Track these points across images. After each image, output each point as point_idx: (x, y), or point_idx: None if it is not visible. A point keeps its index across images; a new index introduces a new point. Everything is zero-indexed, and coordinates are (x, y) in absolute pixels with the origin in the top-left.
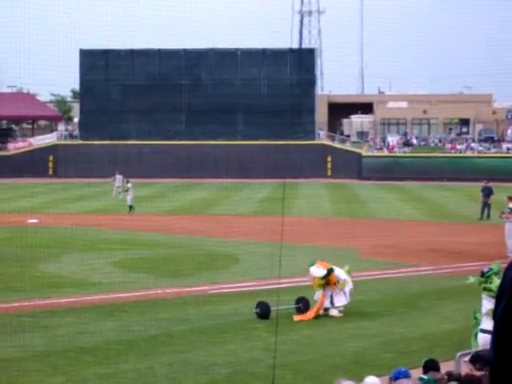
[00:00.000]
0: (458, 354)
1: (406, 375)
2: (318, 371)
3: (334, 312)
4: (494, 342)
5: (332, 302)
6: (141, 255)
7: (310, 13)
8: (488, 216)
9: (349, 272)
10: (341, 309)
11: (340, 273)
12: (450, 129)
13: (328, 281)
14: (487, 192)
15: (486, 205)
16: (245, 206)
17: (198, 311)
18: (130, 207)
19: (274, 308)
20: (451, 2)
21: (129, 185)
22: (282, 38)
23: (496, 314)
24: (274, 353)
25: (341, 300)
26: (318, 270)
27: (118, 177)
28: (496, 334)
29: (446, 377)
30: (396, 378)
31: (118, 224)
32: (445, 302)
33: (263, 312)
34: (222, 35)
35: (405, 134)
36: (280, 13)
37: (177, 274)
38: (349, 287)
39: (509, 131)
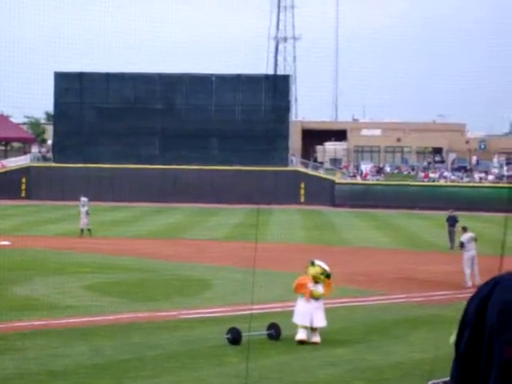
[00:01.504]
0: (429, 382)
1: None
2: None
3: (316, 338)
4: (456, 374)
5: (312, 321)
6: (113, 279)
7: (285, 39)
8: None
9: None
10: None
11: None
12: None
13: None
14: (452, 221)
15: (451, 233)
16: (218, 231)
17: (169, 336)
18: (85, 230)
19: (245, 334)
20: (426, 32)
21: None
22: (257, 64)
23: (458, 347)
24: (246, 379)
25: (321, 321)
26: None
27: (84, 199)
28: (457, 367)
29: None
30: None
31: (90, 247)
32: (416, 330)
33: (234, 338)
34: (197, 60)
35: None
36: (255, 39)
37: (149, 299)
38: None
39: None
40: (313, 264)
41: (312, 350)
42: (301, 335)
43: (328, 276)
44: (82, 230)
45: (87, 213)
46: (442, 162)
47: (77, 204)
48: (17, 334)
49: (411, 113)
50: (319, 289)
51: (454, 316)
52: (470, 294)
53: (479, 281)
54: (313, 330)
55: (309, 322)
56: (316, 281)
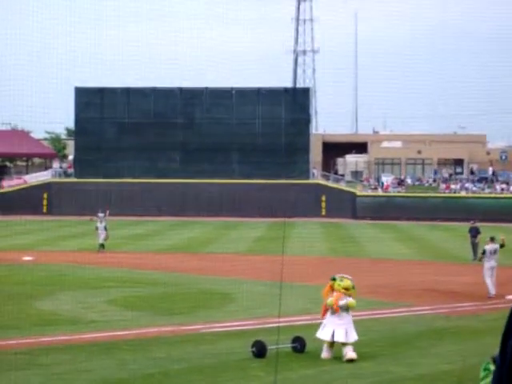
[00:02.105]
0: None
1: None
2: None
3: (352, 355)
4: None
5: (347, 336)
6: (136, 293)
7: (304, 52)
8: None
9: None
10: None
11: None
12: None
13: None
14: (474, 232)
15: (474, 245)
16: (240, 244)
17: (194, 350)
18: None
19: (270, 347)
20: (447, 42)
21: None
22: (277, 78)
23: (505, 354)
24: None
25: (354, 335)
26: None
27: (101, 215)
28: (501, 377)
29: None
30: None
31: (112, 262)
32: (441, 342)
33: (259, 351)
34: (217, 74)
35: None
36: (275, 52)
37: (173, 312)
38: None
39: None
40: (334, 279)
41: (337, 363)
42: (324, 354)
43: (332, 279)
44: (102, 245)
45: (105, 228)
46: (461, 173)
47: (95, 219)
48: (41, 349)
49: (432, 124)
50: (344, 300)
51: (479, 327)
52: (495, 305)
53: (494, 292)
54: (344, 345)
55: (329, 337)
56: (338, 292)
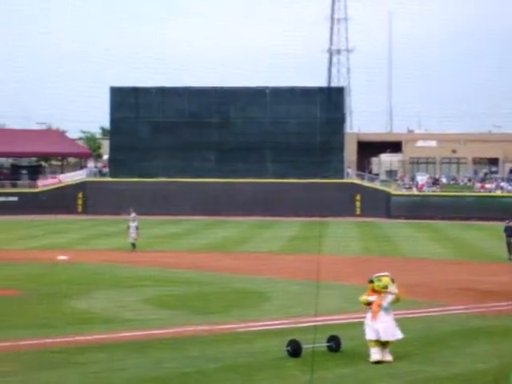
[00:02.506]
0: None
1: None
2: None
3: (389, 357)
4: None
5: (394, 333)
6: (171, 292)
7: (339, 51)
8: None
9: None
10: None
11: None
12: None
13: (376, 286)
14: (509, 232)
15: (509, 244)
16: (274, 243)
17: (229, 349)
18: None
19: (305, 346)
20: (483, 40)
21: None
22: (311, 77)
23: None
24: None
25: (397, 332)
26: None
27: (133, 215)
28: None
29: None
30: None
31: (147, 261)
32: (477, 341)
33: (295, 350)
34: (252, 73)
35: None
36: (309, 52)
37: (207, 312)
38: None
39: None
40: (372, 281)
41: (372, 363)
42: (374, 356)
43: (370, 281)
44: (133, 245)
45: (136, 228)
46: (496, 172)
47: (127, 219)
48: (77, 347)
49: (467, 123)
50: (388, 298)
51: None
52: None
53: None
54: (384, 345)
55: (376, 336)
56: (379, 293)
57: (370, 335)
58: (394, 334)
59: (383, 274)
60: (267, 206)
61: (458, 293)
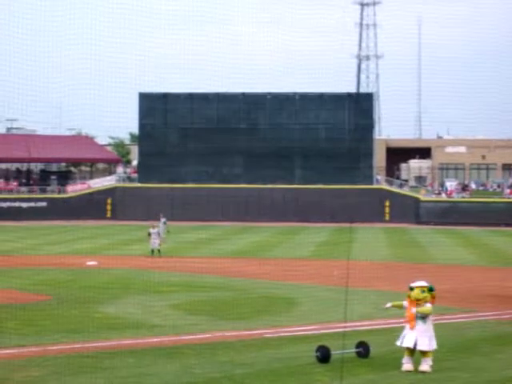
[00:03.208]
0: None
1: None
2: None
3: (425, 367)
4: None
5: (430, 344)
6: (200, 298)
7: (367, 57)
8: None
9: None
10: (430, 363)
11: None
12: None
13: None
14: None
15: None
16: (303, 249)
17: (257, 354)
18: (157, 251)
19: (334, 352)
20: (510, 48)
21: (155, 230)
22: (340, 83)
23: None
24: None
25: (432, 342)
26: (422, 282)
27: (163, 220)
28: None
29: None
30: None
31: (176, 267)
32: (507, 347)
33: (324, 356)
34: (280, 79)
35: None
36: (339, 58)
37: (236, 317)
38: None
39: None
40: (412, 289)
41: (400, 370)
42: (405, 366)
43: (431, 290)
44: (152, 251)
45: (158, 233)
46: None
47: (154, 225)
48: (105, 352)
49: (496, 129)
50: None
51: None
52: None
53: None
54: (423, 354)
55: (412, 344)
56: (419, 302)
57: (406, 343)
58: (430, 344)
59: (419, 284)
60: (296, 212)
61: (488, 299)
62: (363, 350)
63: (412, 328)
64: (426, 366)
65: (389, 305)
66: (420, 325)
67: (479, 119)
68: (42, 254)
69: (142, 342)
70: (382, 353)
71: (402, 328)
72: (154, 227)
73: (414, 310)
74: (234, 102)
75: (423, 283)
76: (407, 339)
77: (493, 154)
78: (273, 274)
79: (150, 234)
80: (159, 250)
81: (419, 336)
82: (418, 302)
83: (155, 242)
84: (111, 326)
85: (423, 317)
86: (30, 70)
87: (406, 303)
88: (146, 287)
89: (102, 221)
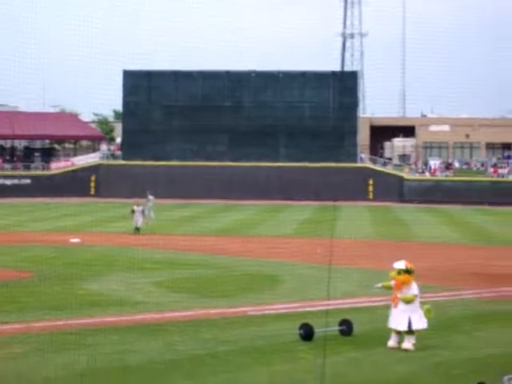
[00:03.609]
0: (506, 377)
1: None
2: None
3: (407, 345)
4: None
5: (410, 323)
6: (183, 275)
7: (352, 35)
8: None
9: (428, 312)
10: (413, 341)
11: (415, 288)
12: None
13: (397, 279)
14: None
15: None
16: (286, 227)
17: (241, 332)
18: (137, 229)
19: (317, 330)
20: (498, 23)
21: (139, 207)
22: (325, 61)
23: None
24: (322, 374)
25: (421, 322)
26: (399, 263)
27: (150, 198)
28: None
29: None
30: None
31: (159, 244)
32: (488, 325)
33: (307, 334)
34: (264, 57)
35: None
36: (323, 36)
37: (220, 295)
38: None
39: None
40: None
41: (384, 347)
42: (390, 342)
43: (407, 271)
44: (136, 229)
45: (143, 211)
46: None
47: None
48: (89, 329)
49: (480, 108)
50: (408, 292)
51: None
52: None
53: None
54: (407, 333)
55: (395, 325)
56: (402, 286)
57: (400, 326)
58: (422, 321)
59: (397, 265)
60: (280, 190)
61: (470, 277)
62: (346, 327)
63: (395, 306)
64: (408, 344)
65: (379, 285)
66: (405, 305)
67: (463, 97)
68: (25, 230)
69: (125, 319)
70: (366, 331)
71: (387, 307)
72: (138, 205)
73: (399, 295)
74: (219, 80)
75: (401, 264)
76: (393, 320)
77: (477, 133)
78: (256, 252)
79: (133, 212)
80: (138, 229)
81: (403, 316)
82: (401, 284)
83: (138, 220)
84: (94, 302)
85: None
86: (13, 46)
87: (393, 283)
88: (129, 264)
89: (85, 198)
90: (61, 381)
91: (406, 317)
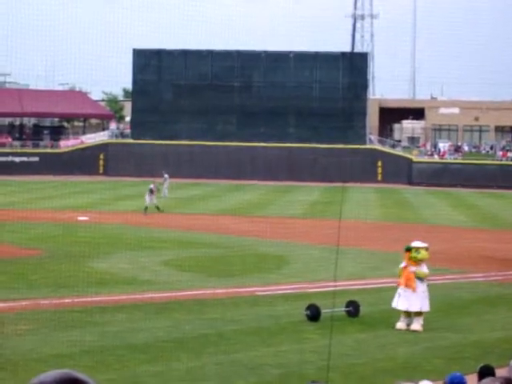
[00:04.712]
0: None
1: (462, 381)
2: (368, 375)
3: (417, 326)
4: None
5: (422, 305)
6: (191, 254)
7: (362, 17)
8: None
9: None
10: (421, 322)
11: (425, 268)
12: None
13: (412, 258)
14: None
15: None
16: (295, 208)
17: (248, 312)
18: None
19: (324, 310)
20: (506, 8)
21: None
22: (335, 42)
23: None
24: (329, 355)
25: (425, 304)
26: (417, 242)
27: (166, 176)
28: None
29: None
30: (451, 383)
31: (167, 223)
32: (496, 309)
33: (313, 314)
34: (275, 38)
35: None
36: (333, 17)
37: (227, 274)
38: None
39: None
40: (408, 249)
41: (390, 328)
42: (399, 324)
43: (407, 249)
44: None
45: (153, 190)
46: None
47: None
48: (96, 307)
49: (490, 91)
50: (423, 269)
51: None
52: None
53: None
54: (416, 315)
55: (407, 307)
56: (416, 262)
57: (400, 306)
58: (424, 305)
59: (422, 245)
60: (289, 171)
61: (479, 260)
62: (353, 308)
63: (414, 290)
64: (417, 325)
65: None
66: (422, 286)
67: (473, 80)
68: (33, 208)
69: (132, 298)
70: (373, 312)
71: (394, 289)
72: (154, 183)
73: (412, 268)
74: (229, 60)
75: (420, 244)
76: (401, 301)
77: (486, 116)
78: (265, 233)
79: (151, 191)
80: (146, 208)
81: (411, 298)
82: (417, 262)
83: (150, 198)
84: (102, 281)
85: (420, 278)
86: (24, 24)
87: (403, 264)
88: (137, 243)
89: (94, 176)
90: (68, 358)
91: (419, 298)
